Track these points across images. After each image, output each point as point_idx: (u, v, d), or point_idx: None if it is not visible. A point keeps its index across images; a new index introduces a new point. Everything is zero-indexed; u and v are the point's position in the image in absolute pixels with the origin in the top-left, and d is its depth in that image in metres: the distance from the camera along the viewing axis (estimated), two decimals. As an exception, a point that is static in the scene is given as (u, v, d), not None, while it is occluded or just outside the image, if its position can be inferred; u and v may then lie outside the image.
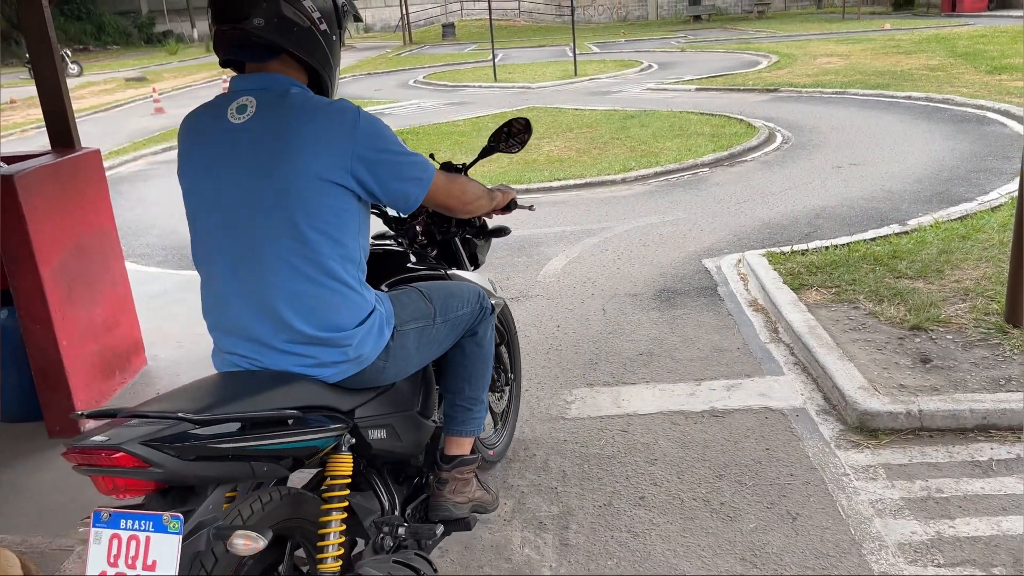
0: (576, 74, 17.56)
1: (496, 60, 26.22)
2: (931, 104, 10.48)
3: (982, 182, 6.50)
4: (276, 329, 1.76)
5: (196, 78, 24.53)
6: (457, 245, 2.64)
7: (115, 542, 1.40)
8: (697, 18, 41.52)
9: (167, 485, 1.45)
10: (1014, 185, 6.30)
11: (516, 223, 3.20)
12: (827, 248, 4.97)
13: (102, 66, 30.68)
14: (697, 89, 14.06)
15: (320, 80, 1.88)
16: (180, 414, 1.43)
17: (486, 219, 2.69)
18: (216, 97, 1.83)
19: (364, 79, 21.70)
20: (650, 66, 19.09)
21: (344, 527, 1.79)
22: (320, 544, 1.74)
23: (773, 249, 5.05)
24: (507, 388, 2.98)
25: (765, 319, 4.17)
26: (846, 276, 4.42)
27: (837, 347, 3.55)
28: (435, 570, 2.00)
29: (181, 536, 1.37)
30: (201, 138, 1.81)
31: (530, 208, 2.78)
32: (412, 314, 2.01)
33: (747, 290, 4.60)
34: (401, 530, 2.02)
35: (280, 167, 1.71)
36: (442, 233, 2.58)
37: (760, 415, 3.22)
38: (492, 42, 20.17)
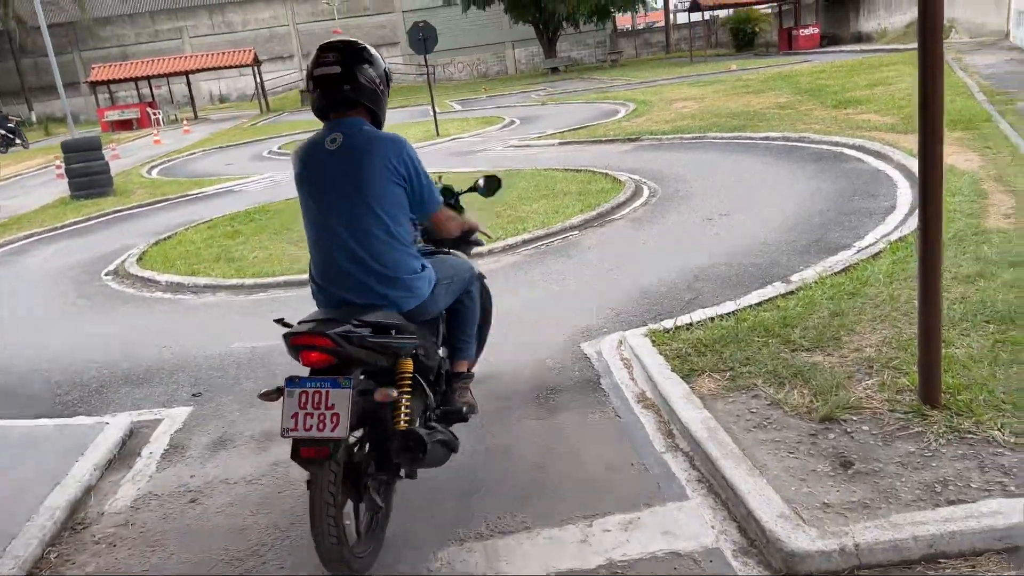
0: (438, 134, 17.13)
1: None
2: (789, 143, 10.55)
3: (855, 225, 6.31)
4: (366, 275, 2.74)
5: (30, 165, 22.60)
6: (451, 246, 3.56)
7: (303, 396, 2.46)
8: (555, 70, 42.46)
9: (335, 362, 2.51)
10: (886, 227, 6.13)
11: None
12: (713, 320, 4.51)
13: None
14: (560, 143, 13.86)
15: (378, 120, 2.89)
16: (353, 321, 2.55)
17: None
18: (316, 132, 2.84)
19: (215, 153, 20.51)
20: (513, 121, 18.94)
21: (410, 407, 2.74)
22: (394, 413, 2.69)
23: (656, 326, 4.53)
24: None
25: (657, 419, 3.60)
26: (739, 355, 3.93)
27: (743, 456, 3.00)
28: (456, 438, 2.99)
29: (349, 390, 2.46)
30: (310, 158, 2.82)
31: (486, 238, 3.97)
32: (445, 273, 3.07)
33: (633, 380, 4.03)
34: (437, 412, 3.09)
35: (360, 173, 2.71)
36: (438, 243, 3.49)
37: (667, 564, 2.59)
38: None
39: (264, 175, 14.41)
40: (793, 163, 9.22)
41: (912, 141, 9.67)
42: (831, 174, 8.31)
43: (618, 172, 9.93)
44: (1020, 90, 12.50)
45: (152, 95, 37.93)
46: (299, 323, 2.58)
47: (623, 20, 61.10)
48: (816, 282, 4.88)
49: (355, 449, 2.70)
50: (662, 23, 50.82)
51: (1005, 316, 3.88)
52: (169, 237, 9.54)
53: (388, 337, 2.66)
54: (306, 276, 3.05)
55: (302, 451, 2.43)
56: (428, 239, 3.44)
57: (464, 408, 3.23)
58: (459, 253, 3.55)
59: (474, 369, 3.53)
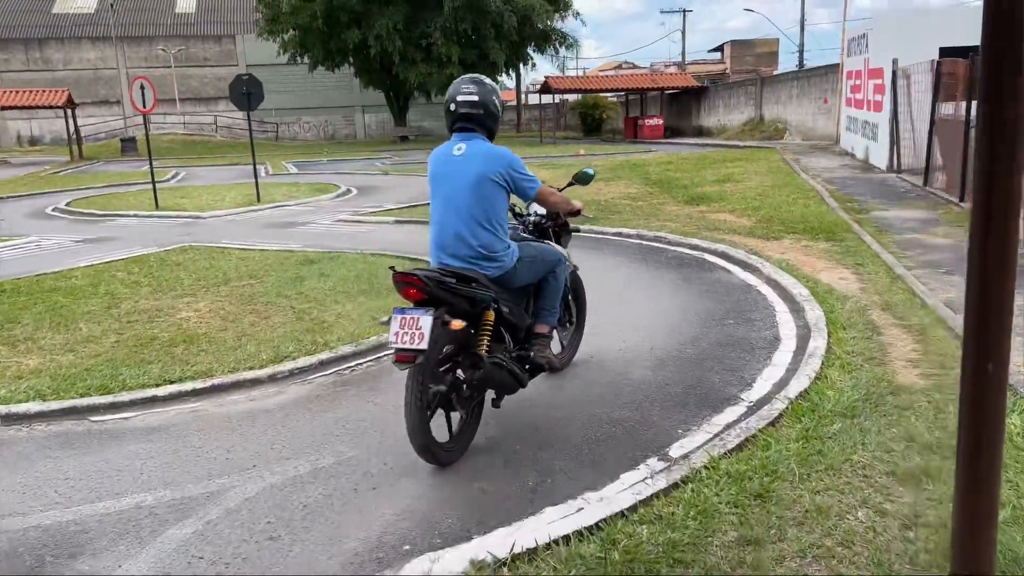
0: (259, 200, 15.14)
1: (175, 180, 23.10)
2: (644, 243, 9.52)
3: (737, 365, 5.07)
4: (466, 248, 3.85)
5: None
6: (550, 233, 4.83)
7: (403, 320, 3.45)
8: (404, 138, 41.33)
9: (426, 298, 3.53)
10: (776, 369, 4.93)
11: None
12: (568, 543, 2.97)
13: None
14: (396, 222, 12.30)
15: (492, 135, 4.03)
16: (441, 271, 3.70)
17: (567, 220, 4.87)
18: (446, 143, 4.02)
19: (-10, 205, 17.33)
20: (349, 191, 17.27)
21: (487, 345, 3.85)
22: (477, 344, 3.82)
23: (479, 556, 2.93)
24: (570, 326, 5.13)
25: None
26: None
27: None
28: (524, 375, 4.13)
29: (432, 317, 3.43)
30: (440, 159, 4.00)
31: (591, 218, 6.05)
32: (528, 253, 4.16)
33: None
34: (512, 355, 4.15)
35: (475, 174, 3.82)
36: (541, 227, 4.82)
37: None
38: (152, 156, 17.11)
39: (30, 238, 11.82)
40: (652, 268, 8.10)
41: (776, 249, 8.92)
42: (697, 287, 7.20)
43: (455, 265, 8.50)
44: (867, 197, 12.30)
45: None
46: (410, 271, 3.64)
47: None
48: (707, 468, 3.48)
49: (446, 367, 3.77)
50: (511, 102, 51.23)
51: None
52: None
53: (467, 287, 3.73)
54: None
55: (398, 356, 3.50)
56: (538, 226, 4.80)
57: (544, 363, 4.28)
58: (551, 243, 4.68)
59: (559, 364, 4.86)
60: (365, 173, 22.55)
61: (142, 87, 13.78)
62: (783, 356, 5.15)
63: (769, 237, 9.28)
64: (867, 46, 18.74)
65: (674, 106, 38.63)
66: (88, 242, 11.32)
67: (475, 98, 3.87)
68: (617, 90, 37.02)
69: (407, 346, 3.44)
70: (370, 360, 5.52)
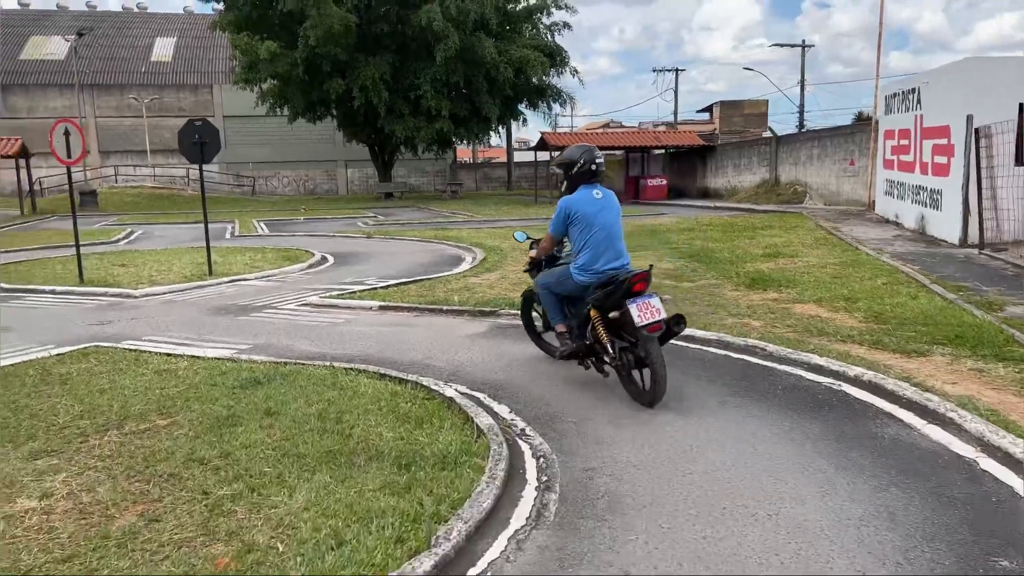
0: (211, 272, 12.32)
1: (126, 240, 20.25)
2: (734, 357, 6.76)
3: None
4: (625, 257, 5.81)
5: None
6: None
7: (642, 305, 5.26)
8: (389, 195, 38.83)
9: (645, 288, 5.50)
10: None
11: None
12: None
13: None
14: (382, 307, 9.49)
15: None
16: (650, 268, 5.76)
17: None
18: (589, 188, 5.72)
19: None
20: (324, 259, 14.51)
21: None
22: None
23: None
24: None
25: None
26: None
27: None
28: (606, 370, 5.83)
29: (659, 298, 5.40)
30: (589, 198, 5.66)
31: None
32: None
33: None
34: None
35: (616, 209, 5.78)
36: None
37: None
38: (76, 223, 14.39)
39: None
40: (774, 415, 5.27)
41: (932, 372, 6.03)
42: (877, 466, 4.36)
43: (472, 394, 5.73)
44: (974, 282, 9.70)
45: None
46: (614, 275, 5.57)
47: (463, 152, 59.44)
48: None
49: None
50: (501, 158, 49.13)
51: None
52: None
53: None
54: None
55: (649, 329, 5.19)
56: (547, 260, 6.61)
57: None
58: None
59: None
60: (345, 236, 19.83)
61: (66, 132, 11.05)
62: None
63: (907, 351, 6.58)
64: (918, 102, 16.47)
65: (676, 165, 36.49)
66: (-34, 334, 8.43)
67: (602, 160, 5.84)
68: (618, 148, 34.88)
69: (654, 319, 5.23)
70: None
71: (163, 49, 49.76)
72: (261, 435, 4.89)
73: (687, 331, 7.48)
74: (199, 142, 11.77)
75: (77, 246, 12.23)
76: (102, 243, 19.08)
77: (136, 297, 10.64)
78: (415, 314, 9.13)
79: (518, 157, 51.77)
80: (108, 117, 46.36)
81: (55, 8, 53.89)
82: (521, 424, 5.14)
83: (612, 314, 5.49)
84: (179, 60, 49.10)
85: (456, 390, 5.77)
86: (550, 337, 6.60)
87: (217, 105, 47.06)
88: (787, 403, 5.48)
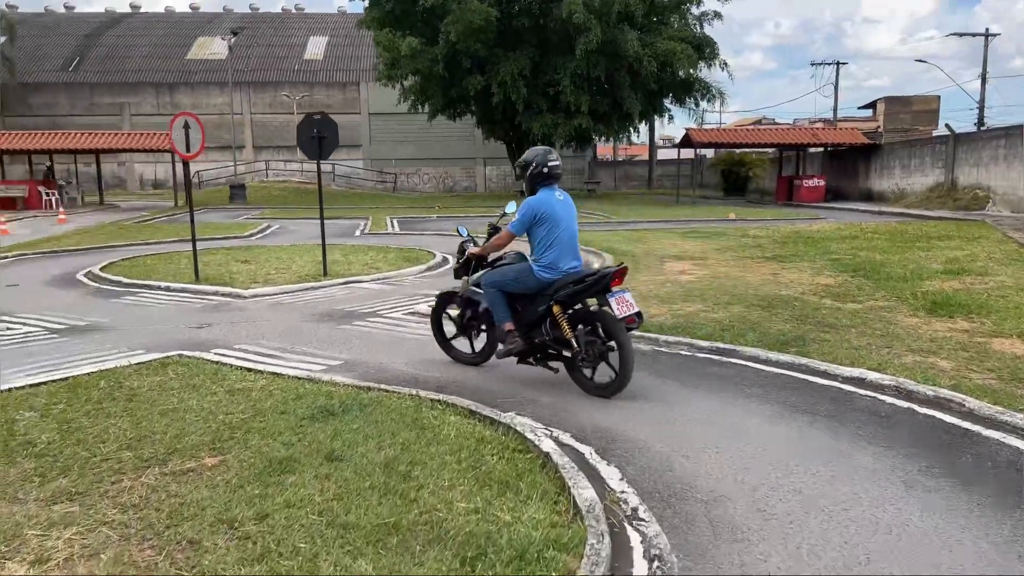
0: (326, 274, 11.80)
1: (260, 235, 20.45)
2: (922, 414, 5.26)
3: None
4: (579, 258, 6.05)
5: None
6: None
7: (619, 300, 5.65)
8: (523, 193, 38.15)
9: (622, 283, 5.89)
10: None
11: None
12: None
13: None
14: (491, 320, 8.52)
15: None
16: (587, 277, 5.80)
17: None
18: (550, 190, 5.86)
19: (30, 261, 14.86)
20: (444, 260, 13.78)
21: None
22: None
23: None
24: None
25: None
26: None
27: None
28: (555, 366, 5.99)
29: (631, 293, 5.93)
30: (553, 199, 5.81)
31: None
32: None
33: None
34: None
35: (573, 211, 6.00)
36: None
37: None
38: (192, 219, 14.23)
39: (32, 315, 8.80)
40: (990, 500, 3.85)
41: None
42: None
43: (576, 441, 4.61)
44: None
45: (51, 172, 32.50)
46: (590, 274, 5.78)
47: (603, 150, 57.97)
48: None
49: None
50: (642, 156, 47.36)
51: None
52: None
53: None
54: None
55: (627, 321, 5.55)
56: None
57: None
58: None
59: None
60: (478, 234, 19.08)
61: (186, 126, 10.80)
62: None
63: None
64: None
65: (834, 165, 33.60)
66: (65, 333, 8.16)
67: (560, 164, 5.97)
68: (770, 145, 32.49)
69: (630, 313, 5.61)
70: None
71: (315, 48, 51.46)
72: (312, 490, 3.98)
73: (855, 373, 6.00)
74: (317, 136, 11.26)
75: (193, 242, 12.04)
76: (236, 237, 19.33)
77: (245, 298, 10.21)
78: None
79: (661, 155, 49.84)
80: (262, 114, 48.39)
81: (221, 10, 57.03)
82: (634, 501, 3.94)
83: (572, 310, 5.87)
84: (330, 58, 50.59)
85: (556, 441, 4.66)
86: (460, 343, 6.83)
87: (363, 102, 48.10)
88: (1005, 489, 3.99)
